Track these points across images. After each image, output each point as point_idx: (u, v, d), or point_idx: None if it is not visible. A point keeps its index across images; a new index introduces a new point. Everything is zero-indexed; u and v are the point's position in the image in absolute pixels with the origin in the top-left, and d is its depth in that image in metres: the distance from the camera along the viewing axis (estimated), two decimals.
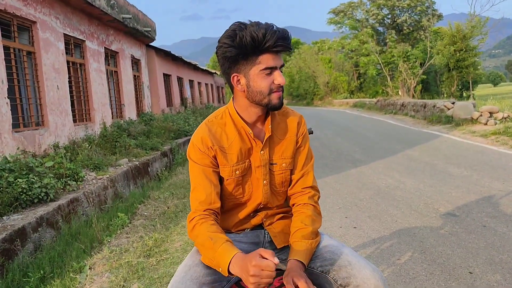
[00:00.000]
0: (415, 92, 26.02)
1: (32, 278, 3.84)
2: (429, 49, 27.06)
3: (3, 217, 4.70)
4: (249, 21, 1.61)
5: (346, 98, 38.68)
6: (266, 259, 1.33)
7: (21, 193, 5.02)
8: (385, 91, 31.31)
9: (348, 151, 9.95)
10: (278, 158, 1.80)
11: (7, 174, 5.08)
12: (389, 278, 3.32)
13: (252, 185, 1.79)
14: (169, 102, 18.09)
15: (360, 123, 17.64)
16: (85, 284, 3.62)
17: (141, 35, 13.88)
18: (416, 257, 3.68)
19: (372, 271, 1.56)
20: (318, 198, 1.84)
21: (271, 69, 1.61)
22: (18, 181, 5.07)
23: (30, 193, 5.09)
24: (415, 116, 16.78)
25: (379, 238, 4.20)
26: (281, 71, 1.66)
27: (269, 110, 1.71)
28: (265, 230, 1.85)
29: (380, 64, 33.34)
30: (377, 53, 34.33)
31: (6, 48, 6.72)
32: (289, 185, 1.86)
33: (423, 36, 41.02)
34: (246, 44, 1.55)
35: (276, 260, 1.32)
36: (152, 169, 8.73)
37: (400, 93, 26.06)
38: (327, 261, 1.63)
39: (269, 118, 1.76)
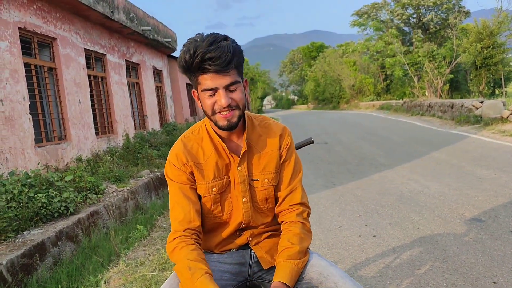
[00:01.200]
0: (442, 92, 25.42)
1: None
2: (455, 47, 26.44)
3: (24, 232, 4.76)
4: (202, 36, 1.52)
5: (372, 100, 38.15)
6: None
7: (41, 208, 5.08)
8: (411, 92, 30.75)
9: (371, 155, 9.75)
10: (259, 174, 1.71)
11: (27, 189, 5.15)
12: None
13: (232, 203, 1.71)
14: (193, 111, 18.21)
15: (386, 125, 17.33)
16: None
17: (162, 46, 14.02)
18: (437, 267, 3.53)
19: None
20: (308, 214, 1.74)
21: (212, 90, 1.52)
22: (38, 196, 5.13)
23: (50, 207, 5.14)
24: (443, 117, 16.38)
25: (399, 247, 4.05)
26: (234, 87, 1.54)
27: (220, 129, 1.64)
28: (251, 250, 1.76)
29: (406, 64, 32.80)
30: (402, 53, 33.78)
31: (27, 65, 6.86)
32: (275, 202, 1.76)
33: (450, 34, 40.19)
34: (182, 65, 1.53)
35: None
36: None
37: (427, 93, 25.52)
38: (313, 282, 1.55)
39: (246, 132, 1.69)
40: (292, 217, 1.68)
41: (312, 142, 2.38)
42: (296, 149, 2.00)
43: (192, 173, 1.66)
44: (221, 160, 1.67)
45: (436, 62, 29.35)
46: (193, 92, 1.63)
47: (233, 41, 1.53)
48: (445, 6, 42.62)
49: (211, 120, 1.61)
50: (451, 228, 4.39)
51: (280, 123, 1.80)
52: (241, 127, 1.68)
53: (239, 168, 1.67)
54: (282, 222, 1.72)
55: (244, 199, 1.69)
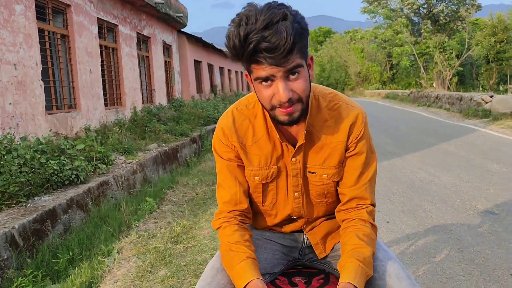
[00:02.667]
0: (450, 85, 25.31)
1: (61, 259, 3.86)
2: (467, 40, 26.24)
3: (35, 198, 4.74)
4: (254, 8, 1.19)
5: (378, 89, 38.01)
6: None
7: (53, 175, 5.05)
8: (418, 82, 30.61)
9: (380, 142, 9.71)
10: (318, 167, 1.45)
11: (39, 155, 5.12)
12: (425, 277, 3.18)
13: (276, 196, 1.50)
14: (199, 89, 18.10)
15: (392, 114, 17.27)
16: (113, 268, 3.61)
17: (173, 20, 13.85)
18: (453, 256, 3.52)
19: None
20: (375, 214, 1.50)
21: (267, 80, 1.23)
22: (50, 163, 5.10)
23: (61, 174, 5.12)
24: (450, 109, 16.30)
25: (413, 234, 4.04)
26: (297, 74, 1.23)
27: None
28: (305, 235, 1.60)
29: (414, 55, 32.56)
30: (412, 43, 33.52)
31: (41, 31, 6.76)
32: (335, 198, 1.53)
33: (460, 27, 39.80)
34: (231, 51, 1.22)
35: None
36: (181, 155, 8.72)
37: (434, 85, 25.40)
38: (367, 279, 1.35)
39: (307, 118, 1.39)
40: (362, 215, 1.44)
41: None
42: None
43: (238, 152, 1.47)
44: (271, 148, 1.44)
45: (446, 54, 29.16)
46: (246, 75, 1.34)
47: (295, 18, 1.19)
48: None
49: (270, 113, 1.34)
50: (464, 219, 4.38)
51: (355, 107, 1.45)
52: (304, 110, 1.35)
53: (293, 159, 1.43)
54: (345, 220, 1.47)
55: (296, 194, 1.49)
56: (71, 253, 4.01)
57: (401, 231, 4.14)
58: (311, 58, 1.33)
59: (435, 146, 8.93)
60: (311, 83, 1.37)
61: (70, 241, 4.34)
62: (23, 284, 3.39)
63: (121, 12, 10.12)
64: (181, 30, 15.95)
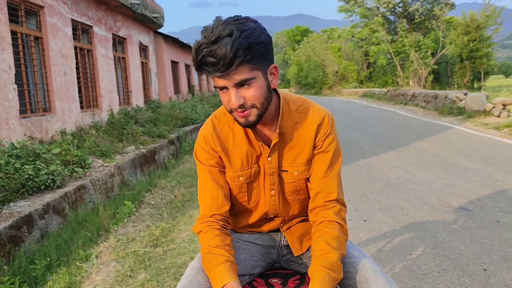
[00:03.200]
0: (426, 83, 25.72)
1: (39, 266, 3.80)
2: (441, 38, 26.70)
3: (10, 204, 4.66)
4: (217, 22, 1.34)
5: (355, 87, 38.35)
6: None
7: (28, 180, 4.98)
8: (395, 81, 31.02)
9: (357, 141, 9.82)
10: (289, 165, 1.57)
11: (14, 160, 5.04)
12: (401, 274, 3.24)
13: (259, 193, 1.61)
14: (177, 90, 18.00)
15: (369, 113, 17.47)
16: (91, 273, 3.58)
17: (149, 21, 13.75)
18: (428, 252, 3.60)
19: None
20: (345, 213, 1.57)
21: (222, 88, 1.38)
22: (25, 168, 5.03)
23: (37, 179, 5.05)
24: (426, 107, 16.57)
25: (390, 232, 4.11)
26: (247, 85, 1.36)
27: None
28: (282, 234, 1.70)
29: (390, 53, 32.98)
30: (388, 42, 33.93)
31: (13, 33, 6.65)
32: (307, 194, 1.62)
33: (435, 25, 40.44)
34: (192, 59, 1.38)
35: None
36: (159, 157, 8.68)
37: (411, 83, 25.77)
38: (345, 274, 1.46)
39: (279, 120, 1.53)
40: (329, 216, 1.51)
41: None
42: None
43: (220, 158, 1.57)
44: (251, 148, 1.56)
45: (421, 52, 29.61)
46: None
47: (242, 34, 1.29)
48: None
49: (232, 116, 1.48)
50: (439, 216, 4.47)
51: (322, 110, 1.59)
52: (276, 113, 1.53)
53: (269, 159, 1.55)
54: (315, 221, 1.55)
55: (272, 192, 1.60)
56: (48, 259, 3.96)
57: (378, 229, 4.21)
58: (275, 67, 1.45)
59: (411, 144, 9.08)
60: (279, 90, 1.56)
61: (47, 246, 4.28)
62: None
63: (96, 13, 10.01)
64: (158, 30, 15.84)
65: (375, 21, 39.43)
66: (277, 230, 1.70)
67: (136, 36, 13.32)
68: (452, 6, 43.48)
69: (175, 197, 5.83)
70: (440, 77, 33.65)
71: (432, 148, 8.41)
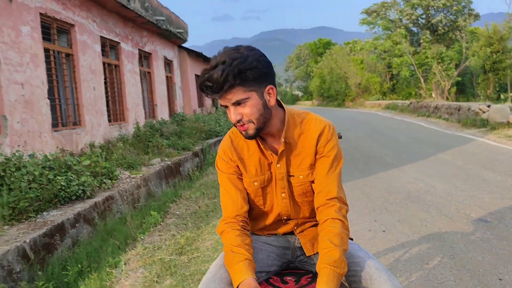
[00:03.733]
0: (449, 95, 25.49)
1: (71, 272, 4.02)
2: (464, 50, 26.48)
3: (43, 213, 4.92)
4: (222, 51, 1.61)
5: (378, 99, 38.18)
6: None
7: (60, 190, 5.24)
8: (418, 93, 30.82)
9: (379, 154, 9.89)
10: (295, 170, 1.78)
11: (47, 172, 5.31)
12: (417, 282, 3.34)
13: (273, 197, 1.82)
14: (201, 103, 18.34)
15: (392, 125, 17.45)
16: (121, 279, 3.77)
17: (173, 36, 14.13)
18: (445, 262, 3.68)
19: (392, 287, 1.57)
20: (346, 211, 1.75)
21: (225, 107, 1.65)
22: (58, 179, 5.29)
23: (68, 190, 5.30)
24: (449, 119, 16.48)
25: (408, 242, 4.20)
26: (242, 104, 1.61)
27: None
28: (296, 236, 1.88)
29: (413, 65, 32.82)
30: (410, 54, 33.79)
31: (46, 50, 7.00)
32: (314, 197, 1.80)
33: (458, 36, 40.15)
34: None
35: None
36: (183, 169, 8.91)
37: (433, 95, 25.58)
38: (351, 272, 1.65)
39: (285, 131, 1.75)
40: (331, 214, 1.69)
41: (341, 137, 2.52)
42: None
43: (238, 166, 1.80)
44: (263, 157, 1.78)
45: (444, 64, 29.39)
46: None
47: (232, 62, 1.54)
48: (454, 8, 42.56)
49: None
50: (458, 227, 4.53)
51: (323, 120, 1.81)
52: (282, 126, 1.75)
53: (278, 165, 1.77)
54: (321, 219, 1.72)
55: (283, 195, 1.80)
56: (80, 266, 4.18)
57: (397, 239, 4.30)
58: (271, 88, 1.68)
59: (433, 156, 9.10)
60: (285, 105, 1.80)
61: (78, 254, 4.51)
62: None
63: (123, 30, 10.39)
64: (182, 45, 16.23)
65: (398, 33, 39.32)
66: (292, 233, 1.89)
67: (161, 51, 13.70)
68: (476, 16, 43.09)
69: (199, 207, 6.02)
70: (465, 88, 33.28)
71: (453, 160, 8.43)
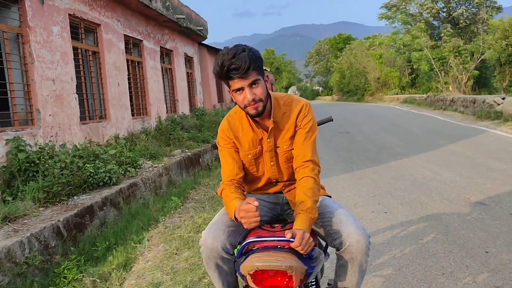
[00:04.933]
0: (466, 88, 25.40)
1: (100, 247, 4.50)
2: (480, 44, 26.31)
3: (74, 197, 5.41)
4: (228, 49, 1.97)
5: (397, 94, 38.08)
6: (250, 203, 1.81)
7: (89, 177, 5.73)
8: (435, 87, 30.71)
9: (391, 145, 10.18)
10: (280, 142, 2.19)
11: (77, 160, 5.80)
12: (410, 254, 3.69)
13: (264, 165, 2.24)
14: (220, 98, 18.79)
15: (407, 118, 17.62)
16: (144, 252, 4.23)
17: (194, 34, 14.60)
18: (438, 238, 4.02)
19: (356, 228, 1.97)
20: (319, 171, 2.13)
21: (240, 90, 2.01)
22: (87, 166, 5.79)
23: (96, 177, 5.80)
24: (464, 112, 16.58)
25: (406, 222, 4.55)
26: (256, 84, 1.99)
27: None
28: (284, 194, 2.32)
29: (431, 59, 32.67)
30: (428, 48, 33.60)
31: (74, 49, 7.51)
32: None
33: (480, 29, 39.69)
34: (216, 74, 2.02)
35: (256, 203, 1.79)
36: (203, 160, 9.36)
37: (450, 88, 25.53)
38: (326, 219, 2.08)
39: (272, 112, 2.15)
40: (305, 173, 2.08)
41: (332, 120, 2.90)
42: (317, 125, 2.47)
43: (234, 142, 2.21)
44: (254, 135, 2.19)
45: (461, 58, 29.23)
46: (229, 91, 2.11)
47: (250, 50, 1.98)
48: (476, 0, 42.00)
49: (244, 111, 2.11)
50: (456, 209, 4.85)
51: (301, 100, 2.23)
52: (270, 109, 2.15)
53: (268, 140, 2.18)
54: (297, 178, 2.12)
55: (271, 163, 2.22)
56: (107, 243, 4.65)
57: (397, 219, 4.65)
58: (267, 76, 2.12)
59: (443, 147, 9.35)
60: (272, 92, 2.19)
61: (106, 232, 4.99)
62: (69, 267, 4.02)
63: (146, 28, 10.88)
64: (202, 42, 16.69)
65: (417, 27, 39.05)
66: (280, 192, 2.32)
67: (181, 48, 14.18)
68: (499, 9, 42.40)
69: (216, 193, 6.45)
70: (487, 81, 32.96)
71: (462, 151, 8.68)
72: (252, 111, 2.05)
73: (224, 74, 1.96)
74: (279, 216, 2.33)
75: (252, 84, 1.99)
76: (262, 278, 1.78)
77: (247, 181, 2.31)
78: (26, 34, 6.15)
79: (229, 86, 2.05)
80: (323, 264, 2.39)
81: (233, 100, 2.11)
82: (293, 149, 2.18)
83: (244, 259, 1.82)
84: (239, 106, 2.12)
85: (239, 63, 1.92)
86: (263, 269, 1.75)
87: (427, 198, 5.37)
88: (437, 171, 6.91)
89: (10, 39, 6.03)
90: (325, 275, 3.16)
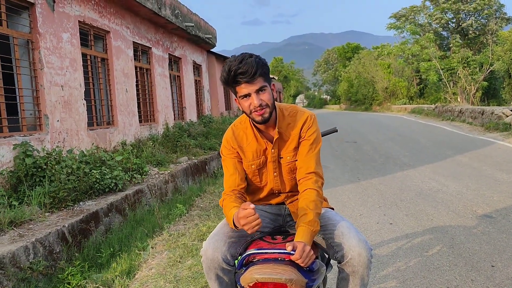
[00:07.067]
0: (474, 99, 25.29)
1: (104, 254, 4.51)
2: (490, 55, 26.22)
3: (80, 203, 5.44)
4: (235, 56, 2.01)
5: (405, 104, 37.98)
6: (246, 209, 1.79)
7: (95, 183, 5.75)
8: (443, 97, 30.59)
9: (397, 155, 10.14)
10: (284, 153, 2.19)
11: (84, 166, 5.83)
12: (414, 267, 3.66)
13: (267, 175, 2.24)
14: (228, 106, 18.85)
15: (415, 129, 17.55)
16: (148, 259, 4.23)
17: (202, 41, 14.68)
18: (443, 251, 3.99)
19: (358, 241, 1.96)
20: (322, 184, 2.13)
21: (246, 96, 2.02)
22: (93, 172, 5.81)
23: (102, 183, 5.82)
24: (472, 123, 16.50)
25: (412, 234, 4.52)
26: (263, 91, 2.01)
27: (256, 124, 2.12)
28: (286, 206, 2.30)
29: (439, 70, 32.59)
30: (437, 58, 33.52)
31: (84, 55, 7.57)
32: None
33: (490, 40, 39.58)
34: (223, 80, 2.03)
35: (252, 206, 1.78)
36: (209, 167, 9.37)
37: (459, 99, 25.43)
38: (328, 231, 2.06)
39: (277, 123, 2.16)
40: (309, 185, 2.08)
41: (336, 131, 2.90)
42: (322, 136, 2.47)
43: (238, 153, 2.21)
44: (259, 145, 2.19)
45: (470, 69, 29.13)
46: (235, 99, 2.12)
47: (257, 57, 2.02)
48: (485, 11, 41.93)
49: (250, 118, 2.11)
50: (462, 222, 4.82)
51: (305, 112, 2.22)
52: (275, 119, 2.15)
53: (272, 150, 2.18)
54: (300, 190, 2.12)
55: (275, 173, 2.22)
56: (112, 249, 4.66)
57: (402, 231, 4.62)
58: (274, 85, 2.13)
59: (450, 158, 9.30)
60: (276, 101, 2.18)
61: (110, 239, 5.00)
62: (73, 273, 4.03)
63: (154, 36, 10.96)
64: (211, 50, 16.78)
65: (426, 37, 39.01)
66: (283, 204, 2.31)
67: (190, 55, 14.26)
68: (509, 20, 42.30)
69: None
70: (497, 93, 32.77)
71: (469, 162, 8.63)
72: (258, 117, 2.05)
73: (231, 79, 1.98)
74: (281, 227, 2.32)
75: (259, 90, 2.01)
76: None
77: (249, 192, 2.31)
78: (36, 40, 6.22)
79: (235, 94, 2.06)
80: (326, 276, 2.38)
81: (240, 108, 2.11)
82: (296, 160, 2.18)
83: (245, 271, 1.82)
84: (245, 113, 2.11)
85: (246, 67, 1.94)
86: (262, 282, 1.74)
87: (433, 210, 5.34)
88: (443, 182, 6.87)
89: (20, 45, 6.09)
90: (328, 286, 3.14)
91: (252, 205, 1.79)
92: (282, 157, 2.21)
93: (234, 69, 1.95)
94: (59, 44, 6.73)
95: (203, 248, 2.01)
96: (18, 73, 5.95)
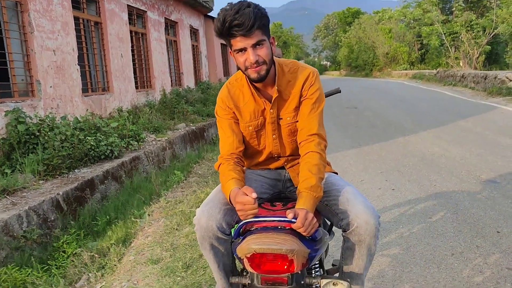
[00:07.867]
0: (477, 64, 24.88)
1: (100, 222, 4.41)
2: (494, 17, 25.66)
3: (75, 170, 5.32)
4: (231, 5, 1.77)
5: (405, 69, 37.48)
6: (247, 195, 1.62)
7: (90, 150, 5.62)
8: (446, 62, 30.15)
9: (399, 121, 9.98)
10: (284, 113, 2.00)
11: (78, 132, 5.68)
12: (418, 233, 3.57)
13: (266, 138, 2.06)
14: (226, 72, 18.55)
15: (416, 94, 17.31)
16: (144, 227, 4.13)
17: (199, 5, 14.28)
18: (447, 217, 3.89)
19: (365, 208, 1.79)
20: (325, 146, 1.95)
21: (242, 50, 1.81)
22: (88, 139, 5.67)
23: (97, 150, 5.68)
24: (475, 88, 16.25)
25: (414, 200, 4.41)
26: (260, 45, 1.79)
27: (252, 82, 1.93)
28: (286, 170, 2.13)
29: (442, 34, 32.01)
30: (440, 22, 32.88)
31: (76, 19, 7.31)
32: None
33: (493, 3, 38.73)
34: (216, 31, 1.82)
35: (254, 195, 1.60)
36: (207, 134, 9.23)
37: (461, 64, 25.03)
38: (332, 197, 1.89)
39: (276, 80, 1.96)
40: (311, 147, 1.90)
41: (340, 92, 2.73)
42: (326, 97, 2.28)
43: (234, 113, 2.02)
44: (257, 105, 2.00)
45: (473, 32, 28.58)
46: (230, 52, 1.90)
47: (256, 6, 1.78)
48: None
49: (245, 75, 1.90)
50: (466, 187, 4.70)
51: (307, 68, 2.02)
52: (274, 76, 1.95)
53: (271, 110, 1.98)
54: (302, 153, 1.94)
55: (274, 136, 2.03)
56: (108, 217, 4.56)
57: (404, 197, 4.52)
58: (273, 38, 1.91)
59: (452, 123, 9.15)
60: (276, 57, 1.97)
61: (107, 207, 4.91)
62: (68, 241, 3.94)
63: None
64: (208, 14, 16.37)
65: (428, 1, 38.15)
66: (283, 168, 2.14)
67: (187, 20, 13.89)
68: None
69: None
70: (499, 57, 32.26)
71: (472, 127, 8.48)
72: (253, 74, 1.85)
73: (225, 31, 1.77)
74: (280, 193, 2.16)
75: (256, 45, 1.80)
76: (260, 261, 1.62)
77: (247, 155, 2.13)
78: (25, 2, 5.96)
79: (230, 46, 1.85)
80: (328, 244, 2.26)
81: (235, 61, 1.90)
82: (297, 121, 1.99)
83: (241, 240, 1.66)
84: (240, 69, 1.91)
85: (243, 19, 1.72)
86: (261, 252, 1.59)
87: (436, 175, 5.22)
88: (446, 147, 6.74)
89: (8, 7, 5.84)
90: (330, 254, 3.05)
91: (255, 194, 1.61)
92: (281, 118, 2.02)
93: (229, 20, 1.73)
94: (50, 6, 6.47)
95: (196, 216, 1.85)
96: (7, 36, 5.72)
